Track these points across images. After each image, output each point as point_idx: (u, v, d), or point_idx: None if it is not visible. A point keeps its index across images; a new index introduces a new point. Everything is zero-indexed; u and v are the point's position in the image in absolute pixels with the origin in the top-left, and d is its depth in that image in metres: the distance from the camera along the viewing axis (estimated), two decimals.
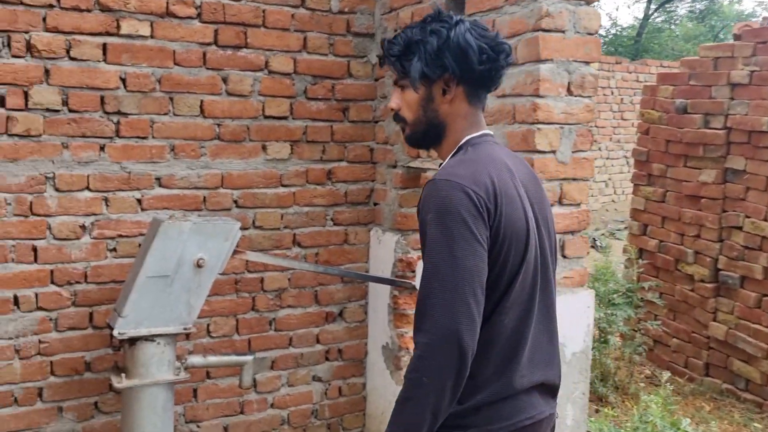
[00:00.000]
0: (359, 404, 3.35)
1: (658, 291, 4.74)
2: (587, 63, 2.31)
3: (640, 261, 4.72)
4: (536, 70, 2.23)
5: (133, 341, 2.39)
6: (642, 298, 4.54)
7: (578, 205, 2.37)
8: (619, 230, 9.41)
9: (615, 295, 4.28)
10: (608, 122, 10.68)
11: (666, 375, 3.40)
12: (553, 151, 2.29)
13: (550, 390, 1.60)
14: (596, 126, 10.06)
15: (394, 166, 3.11)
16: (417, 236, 2.70)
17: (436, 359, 1.35)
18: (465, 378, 1.37)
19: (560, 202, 2.33)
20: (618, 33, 21.18)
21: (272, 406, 3.15)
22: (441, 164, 1.59)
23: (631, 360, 4.47)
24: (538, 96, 2.23)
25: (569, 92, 2.29)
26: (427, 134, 1.58)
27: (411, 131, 1.59)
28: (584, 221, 2.39)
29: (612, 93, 10.65)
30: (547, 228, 1.58)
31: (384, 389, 3.19)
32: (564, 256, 2.35)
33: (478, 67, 1.51)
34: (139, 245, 2.71)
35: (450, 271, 1.35)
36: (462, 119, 1.56)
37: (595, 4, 2.33)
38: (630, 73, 10.86)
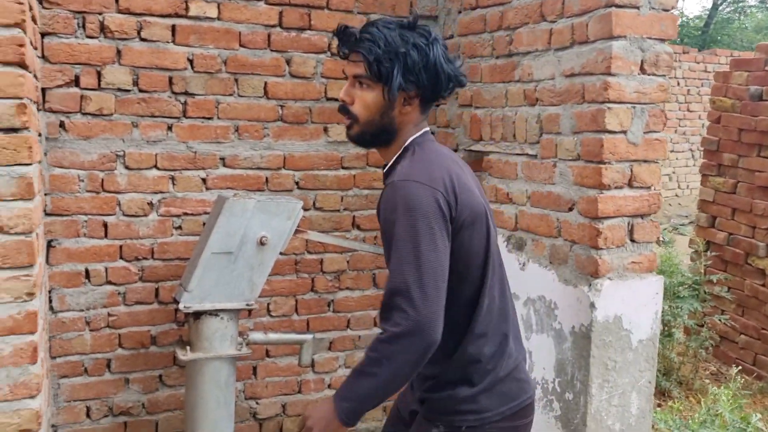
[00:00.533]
0: None
1: (726, 285, 4.56)
2: (662, 41, 2.22)
3: (707, 254, 4.54)
4: (608, 47, 2.16)
5: (197, 315, 2.44)
6: (708, 291, 4.37)
7: (649, 188, 2.29)
8: (682, 225, 9.10)
9: (680, 288, 4.13)
10: (673, 114, 10.27)
11: (735, 369, 3.26)
12: (624, 131, 2.22)
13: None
14: None
15: (456, 150, 3.07)
16: None
17: (400, 347, 1.41)
18: (420, 368, 1.44)
19: (630, 185, 2.25)
20: (685, 23, 20.44)
21: (329, 386, 3.17)
22: (386, 164, 1.65)
23: (696, 355, 4.31)
24: (610, 74, 2.16)
25: (642, 71, 2.21)
26: (377, 137, 1.63)
27: (360, 130, 1.62)
28: (655, 205, 2.30)
29: (678, 84, 10.24)
30: (491, 212, 1.67)
31: None
32: (633, 241, 2.27)
33: (443, 93, 1.61)
34: (203, 224, 2.76)
35: (416, 267, 1.41)
36: (412, 126, 1.62)
37: None
38: (698, 63, 10.44)
